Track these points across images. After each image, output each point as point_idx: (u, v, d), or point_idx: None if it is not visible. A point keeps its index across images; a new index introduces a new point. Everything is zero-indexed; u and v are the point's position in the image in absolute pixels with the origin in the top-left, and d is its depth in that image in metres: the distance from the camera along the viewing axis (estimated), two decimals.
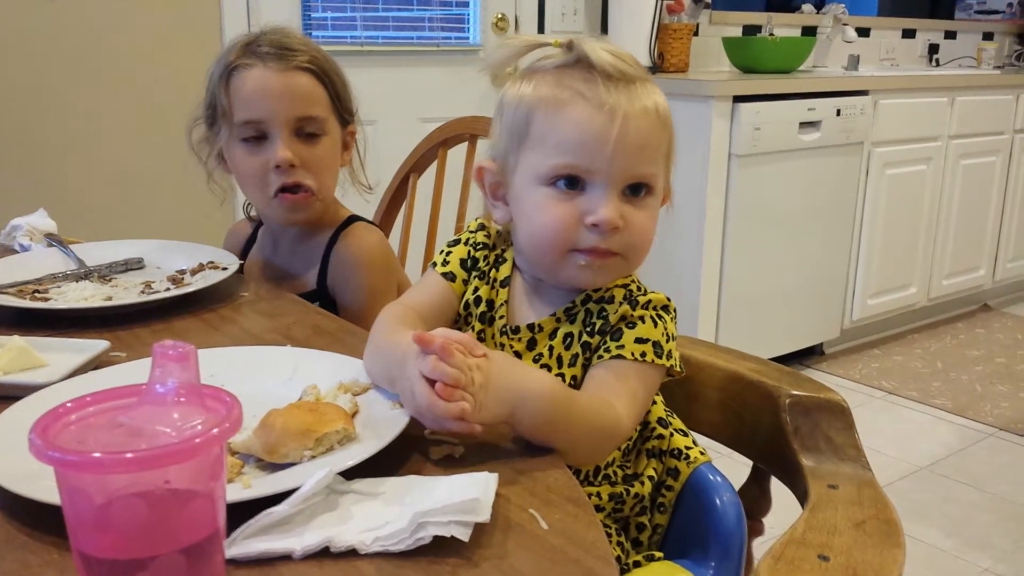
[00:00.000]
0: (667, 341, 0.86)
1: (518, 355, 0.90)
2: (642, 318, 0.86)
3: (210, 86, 1.24)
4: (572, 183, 0.84)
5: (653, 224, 0.88)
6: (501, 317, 0.92)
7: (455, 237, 0.98)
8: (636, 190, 0.85)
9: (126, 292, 1.17)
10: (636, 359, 0.84)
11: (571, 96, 0.83)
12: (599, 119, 0.82)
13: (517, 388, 0.74)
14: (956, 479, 2.49)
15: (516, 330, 0.91)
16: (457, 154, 1.70)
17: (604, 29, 3.18)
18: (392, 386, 0.81)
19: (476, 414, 0.71)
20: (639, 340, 0.85)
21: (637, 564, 0.91)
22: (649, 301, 0.88)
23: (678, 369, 0.88)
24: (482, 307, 0.93)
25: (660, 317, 0.87)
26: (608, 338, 0.86)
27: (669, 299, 0.90)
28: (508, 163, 0.89)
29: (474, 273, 0.95)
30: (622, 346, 0.85)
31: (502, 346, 0.91)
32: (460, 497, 0.61)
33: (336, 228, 1.30)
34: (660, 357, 0.85)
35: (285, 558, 0.59)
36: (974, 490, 2.43)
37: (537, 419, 0.75)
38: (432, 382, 0.71)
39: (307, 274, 1.31)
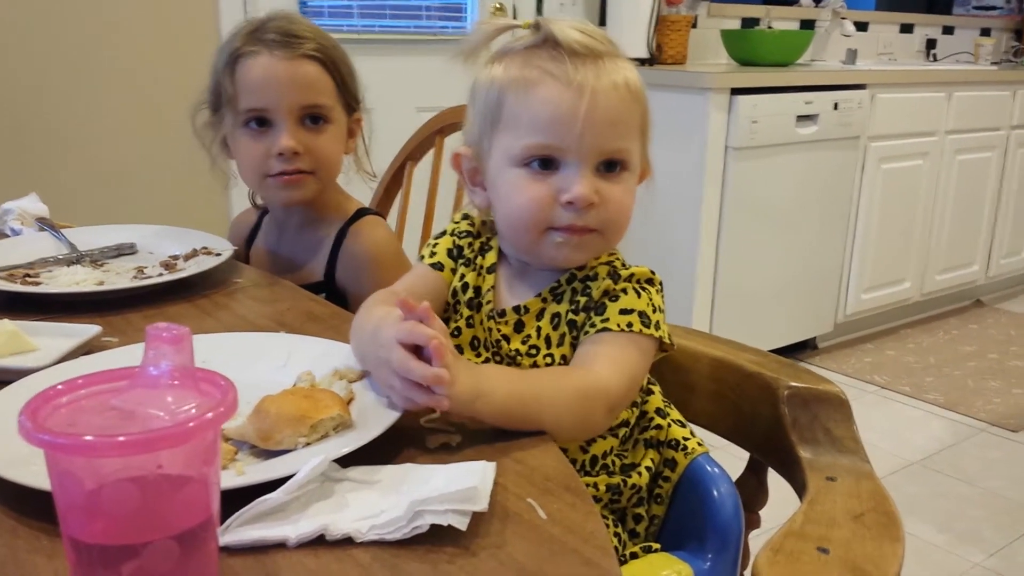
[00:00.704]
0: (653, 312, 0.86)
1: (506, 338, 0.90)
2: (624, 290, 0.86)
3: (215, 72, 1.23)
4: (545, 163, 0.84)
5: (630, 199, 0.87)
6: (488, 302, 0.92)
7: (441, 230, 0.98)
8: (610, 166, 0.85)
9: (118, 277, 1.16)
10: (622, 330, 0.84)
11: (540, 75, 0.83)
12: (568, 96, 0.82)
13: (477, 369, 0.76)
14: (948, 474, 2.49)
15: (503, 313, 0.90)
16: (453, 142, 1.69)
17: (602, 20, 3.17)
18: (364, 362, 0.81)
19: (450, 385, 0.70)
20: (624, 311, 0.84)
21: (634, 556, 0.90)
22: (632, 275, 0.88)
23: (668, 341, 0.87)
24: (469, 293, 0.93)
25: (644, 289, 0.87)
26: (592, 313, 0.86)
27: (653, 272, 0.89)
28: (483, 147, 0.89)
29: (460, 261, 0.95)
30: (607, 319, 0.84)
31: (490, 330, 0.91)
32: (458, 486, 0.61)
33: (346, 221, 1.29)
34: (648, 327, 0.84)
35: (279, 546, 0.59)
36: (966, 485, 2.43)
37: (503, 395, 0.74)
38: (410, 350, 0.71)
39: (313, 264, 1.30)
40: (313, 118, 1.22)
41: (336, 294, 1.27)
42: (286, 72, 1.19)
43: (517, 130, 0.84)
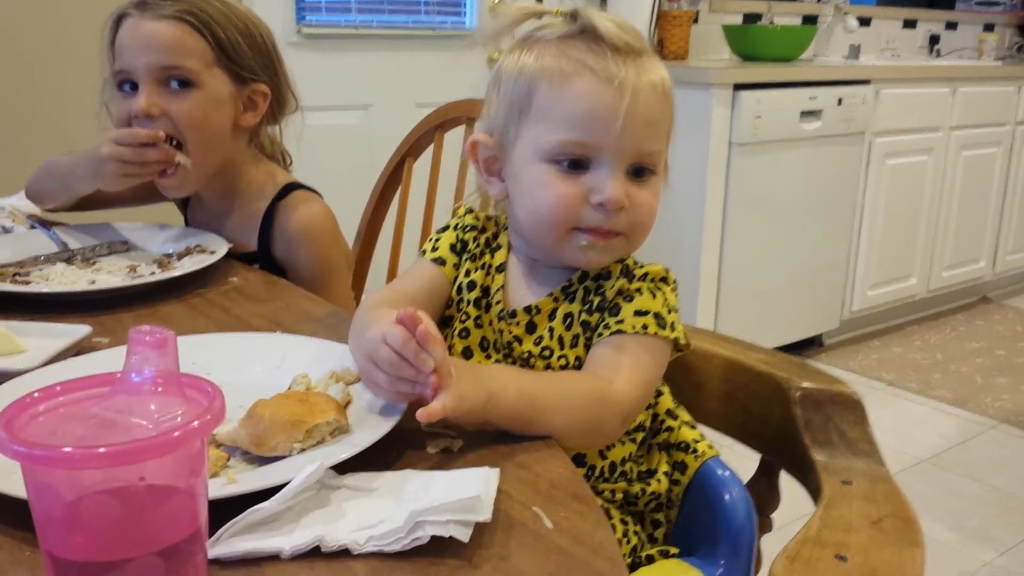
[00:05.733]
0: (668, 312, 0.83)
1: (518, 340, 0.87)
2: (639, 290, 0.83)
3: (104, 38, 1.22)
4: (576, 163, 0.81)
5: (656, 202, 0.85)
6: (498, 303, 0.89)
7: (444, 224, 0.95)
8: (640, 170, 0.82)
9: (110, 276, 1.14)
10: (637, 332, 0.81)
11: (577, 68, 0.80)
12: (608, 94, 0.79)
13: (486, 371, 0.74)
14: (957, 472, 2.46)
15: (513, 314, 0.87)
16: (453, 138, 1.66)
17: None
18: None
19: (460, 404, 0.67)
20: (638, 313, 0.81)
21: (651, 558, 0.88)
22: (646, 273, 0.85)
23: (684, 342, 0.84)
24: (476, 292, 0.89)
25: (658, 288, 0.84)
26: (607, 314, 0.83)
27: (668, 270, 0.86)
28: (507, 137, 0.85)
29: (465, 256, 0.92)
30: (621, 321, 0.81)
31: (501, 332, 0.88)
32: (459, 494, 0.58)
33: (275, 196, 1.26)
34: (663, 328, 0.82)
35: (273, 558, 0.56)
36: (975, 483, 2.41)
37: (514, 395, 0.71)
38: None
39: (242, 235, 1.27)
40: (180, 81, 1.17)
41: (271, 265, 1.27)
42: (146, 32, 1.17)
43: (549, 123, 0.81)
